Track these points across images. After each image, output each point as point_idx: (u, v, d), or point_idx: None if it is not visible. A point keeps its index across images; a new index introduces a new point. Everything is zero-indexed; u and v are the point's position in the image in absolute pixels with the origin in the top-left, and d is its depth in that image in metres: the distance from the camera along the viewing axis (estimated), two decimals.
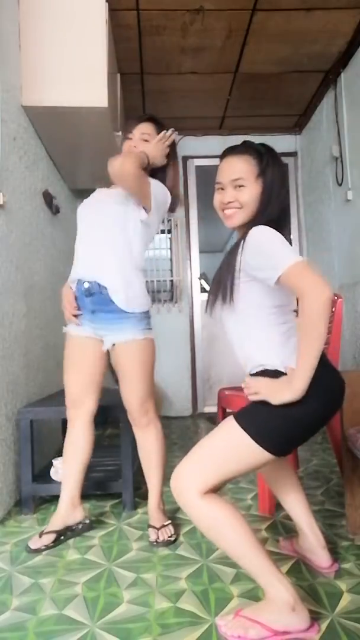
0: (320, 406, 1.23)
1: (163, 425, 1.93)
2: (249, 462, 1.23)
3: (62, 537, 1.80)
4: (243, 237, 1.30)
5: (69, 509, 1.83)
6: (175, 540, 1.76)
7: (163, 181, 1.87)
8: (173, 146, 1.90)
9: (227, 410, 2.40)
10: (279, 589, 1.18)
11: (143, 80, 3.52)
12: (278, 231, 1.29)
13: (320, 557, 1.48)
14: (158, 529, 1.78)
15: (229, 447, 1.24)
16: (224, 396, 2.48)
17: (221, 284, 1.33)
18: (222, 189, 1.38)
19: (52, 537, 1.76)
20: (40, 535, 1.76)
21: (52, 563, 1.63)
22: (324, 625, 1.23)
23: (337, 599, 1.35)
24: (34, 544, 1.73)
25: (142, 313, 1.80)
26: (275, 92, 3.72)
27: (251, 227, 1.29)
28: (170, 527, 1.81)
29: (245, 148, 1.38)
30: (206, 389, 4.32)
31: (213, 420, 3.67)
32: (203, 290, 4.39)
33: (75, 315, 1.82)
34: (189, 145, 4.27)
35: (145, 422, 1.85)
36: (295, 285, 1.16)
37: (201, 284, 4.44)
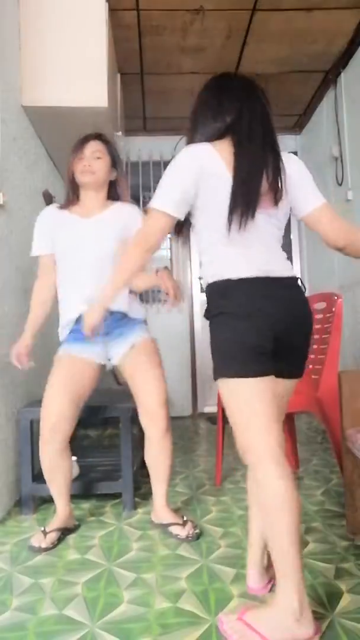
0: (231, 320, 1.22)
1: None
2: (247, 399, 1.19)
3: (62, 535, 1.81)
4: None
5: (68, 515, 1.87)
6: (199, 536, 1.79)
7: (118, 195, 1.97)
8: (117, 158, 1.96)
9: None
10: (290, 597, 1.12)
11: (143, 80, 3.52)
12: (238, 143, 1.26)
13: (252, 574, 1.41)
14: (183, 525, 1.79)
15: (233, 402, 1.23)
16: None
17: None
18: None
19: (57, 534, 1.78)
20: (44, 534, 1.76)
21: (52, 563, 1.63)
22: (324, 626, 1.23)
23: (337, 599, 1.35)
24: (37, 542, 1.73)
25: (143, 320, 1.95)
26: (275, 92, 3.70)
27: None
28: (190, 522, 1.82)
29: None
30: (206, 389, 4.32)
31: (213, 420, 3.67)
32: (203, 290, 4.38)
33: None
34: None
35: (165, 426, 1.82)
36: None
37: (201, 284, 4.42)
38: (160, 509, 1.88)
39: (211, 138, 1.29)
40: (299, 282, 1.31)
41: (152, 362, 1.87)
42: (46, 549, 1.71)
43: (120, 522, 1.97)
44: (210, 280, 1.31)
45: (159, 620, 1.28)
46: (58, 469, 1.82)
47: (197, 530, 1.79)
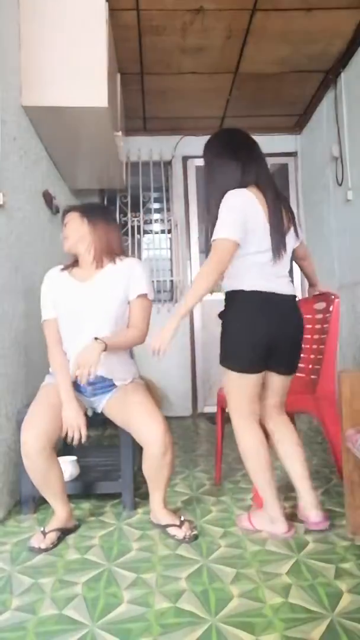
0: (240, 324, 1.69)
1: None
2: (242, 386, 1.73)
3: (62, 535, 1.81)
4: None
5: (67, 516, 1.85)
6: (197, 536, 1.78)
7: (118, 246, 2.00)
8: (85, 210, 2.00)
9: (227, 410, 2.39)
10: (267, 509, 1.76)
11: (143, 80, 3.52)
12: (259, 184, 1.67)
13: (310, 514, 1.74)
14: (180, 526, 1.78)
15: (232, 386, 1.77)
16: (223, 396, 2.48)
17: None
18: None
19: (56, 535, 1.77)
20: (44, 535, 1.76)
21: (52, 563, 1.63)
22: (324, 626, 1.23)
23: (337, 599, 1.35)
24: (36, 542, 1.73)
25: (130, 380, 1.99)
26: (275, 92, 3.72)
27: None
28: (187, 523, 1.82)
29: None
30: (206, 389, 4.32)
31: (213, 420, 3.67)
32: None
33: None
34: (189, 145, 4.26)
35: (165, 446, 1.76)
36: None
37: None
38: (158, 511, 1.87)
39: (243, 186, 1.64)
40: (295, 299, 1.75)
41: (142, 389, 1.93)
42: (46, 549, 1.71)
43: (120, 522, 1.97)
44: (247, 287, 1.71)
45: (159, 620, 1.28)
46: (51, 475, 1.78)
47: (195, 532, 1.78)
